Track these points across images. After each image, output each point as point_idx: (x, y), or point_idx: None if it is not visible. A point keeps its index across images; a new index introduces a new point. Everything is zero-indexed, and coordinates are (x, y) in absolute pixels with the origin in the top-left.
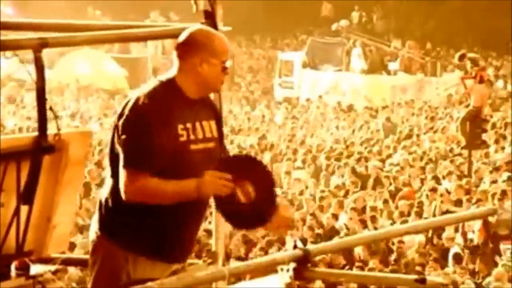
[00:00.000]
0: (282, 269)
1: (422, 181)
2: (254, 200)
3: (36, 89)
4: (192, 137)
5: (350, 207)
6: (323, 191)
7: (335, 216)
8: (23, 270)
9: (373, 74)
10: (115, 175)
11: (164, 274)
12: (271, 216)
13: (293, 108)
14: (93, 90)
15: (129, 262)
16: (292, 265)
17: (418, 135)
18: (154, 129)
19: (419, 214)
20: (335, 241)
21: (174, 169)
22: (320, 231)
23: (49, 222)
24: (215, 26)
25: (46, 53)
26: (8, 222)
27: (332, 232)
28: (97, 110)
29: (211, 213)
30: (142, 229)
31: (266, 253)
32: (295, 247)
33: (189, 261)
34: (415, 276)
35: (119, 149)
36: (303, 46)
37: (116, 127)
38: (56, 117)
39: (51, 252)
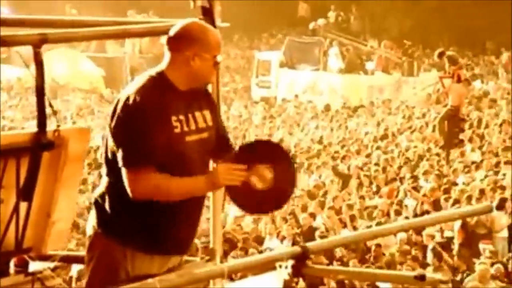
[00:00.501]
0: (280, 266)
1: (401, 180)
2: (272, 183)
3: (35, 85)
4: (186, 128)
5: (328, 206)
6: (302, 190)
7: (313, 216)
8: (22, 267)
9: (350, 74)
10: (110, 173)
11: (162, 269)
12: (290, 196)
13: (271, 108)
14: (70, 90)
15: (127, 258)
16: (290, 262)
17: (395, 135)
18: (148, 124)
19: (399, 213)
20: (333, 238)
21: (171, 162)
22: (298, 230)
23: (48, 219)
24: (213, 23)
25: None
26: (8, 219)
27: (311, 232)
28: (73, 110)
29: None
30: (140, 224)
31: (246, 253)
32: (293, 244)
33: (186, 258)
34: (414, 273)
35: (115, 149)
36: (280, 46)
37: (109, 127)
38: (55, 113)
39: (50, 248)
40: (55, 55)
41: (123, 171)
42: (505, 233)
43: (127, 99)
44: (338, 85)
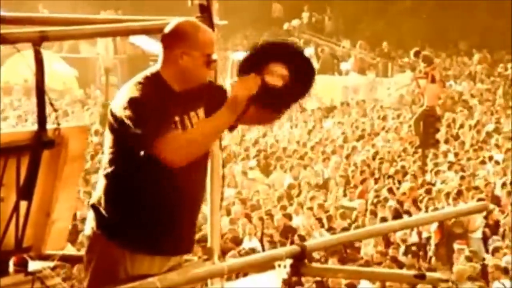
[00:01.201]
0: (279, 265)
1: (377, 180)
2: (289, 79)
3: (35, 83)
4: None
5: (305, 207)
6: (277, 191)
7: (289, 216)
8: (21, 266)
9: (325, 74)
10: (109, 173)
11: (162, 270)
12: (310, 88)
13: None
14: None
15: (127, 259)
16: (289, 261)
17: (370, 136)
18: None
19: (374, 213)
20: (332, 236)
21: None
22: (274, 231)
23: (48, 218)
24: (210, 21)
25: None
26: (8, 218)
27: (288, 232)
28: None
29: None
30: (139, 225)
31: (224, 254)
32: (292, 242)
33: (184, 257)
34: (414, 272)
35: (125, 141)
36: None
37: (113, 120)
38: (56, 111)
39: (49, 248)
40: (28, 55)
41: (153, 149)
42: (479, 234)
43: (126, 93)
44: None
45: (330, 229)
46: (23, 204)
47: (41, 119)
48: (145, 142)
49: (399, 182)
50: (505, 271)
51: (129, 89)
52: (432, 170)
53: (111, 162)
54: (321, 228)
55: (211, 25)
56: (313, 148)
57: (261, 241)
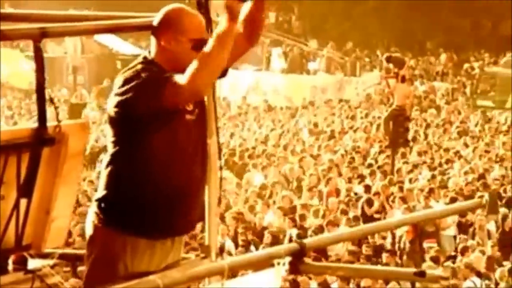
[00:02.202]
0: (278, 263)
1: (350, 180)
2: None
3: (36, 79)
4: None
5: (277, 206)
6: (247, 191)
7: (261, 215)
8: (21, 264)
9: (293, 74)
10: (115, 157)
11: (161, 266)
12: None
13: None
14: (8, 89)
15: (127, 252)
16: (288, 258)
17: (339, 134)
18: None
19: (345, 212)
20: (330, 234)
21: (173, 140)
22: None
23: (48, 215)
24: (208, 17)
25: None
26: (8, 215)
27: (262, 231)
28: (12, 110)
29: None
30: (141, 205)
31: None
32: (290, 240)
33: (182, 255)
34: (413, 270)
35: (136, 116)
36: None
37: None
38: (56, 108)
39: (49, 245)
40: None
41: (175, 90)
42: (451, 232)
43: (126, 77)
44: (281, 85)
45: (301, 228)
46: (23, 202)
47: (42, 116)
48: (156, 95)
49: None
50: (475, 269)
51: (127, 75)
52: (401, 169)
53: (115, 154)
54: (293, 228)
55: (208, 21)
56: (282, 147)
57: (234, 240)
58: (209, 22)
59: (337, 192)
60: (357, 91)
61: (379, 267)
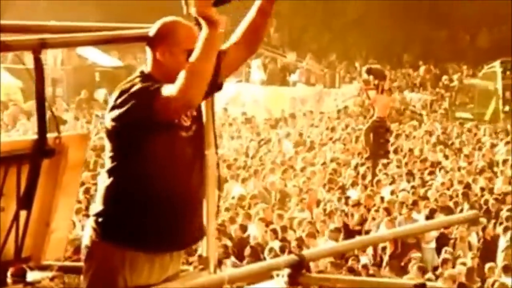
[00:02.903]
0: (277, 275)
1: (330, 191)
2: None
3: (35, 90)
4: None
5: (258, 218)
6: (226, 201)
7: (243, 227)
8: (20, 277)
9: (272, 86)
10: (112, 172)
11: (161, 279)
12: None
13: None
14: None
15: (126, 266)
16: (287, 271)
17: (319, 146)
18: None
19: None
20: (329, 245)
21: (170, 155)
22: (229, 242)
23: (47, 227)
24: None
25: None
26: (8, 227)
27: (243, 243)
28: None
29: None
30: (140, 220)
31: None
32: (289, 252)
33: (180, 267)
34: (414, 281)
35: (133, 124)
36: None
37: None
38: (56, 119)
39: (48, 257)
40: None
41: (166, 100)
42: (433, 244)
43: (125, 87)
44: (260, 97)
45: (284, 240)
46: (23, 214)
47: (41, 127)
48: (154, 103)
49: (350, 192)
50: (456, 281)
51: (122, 88)
52: (381, 181)
53: (112, 169)
54: (275, 239)
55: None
56: (261, 158)
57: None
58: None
59: (318, 203)
60: (336, 102)
61: (379, 279)
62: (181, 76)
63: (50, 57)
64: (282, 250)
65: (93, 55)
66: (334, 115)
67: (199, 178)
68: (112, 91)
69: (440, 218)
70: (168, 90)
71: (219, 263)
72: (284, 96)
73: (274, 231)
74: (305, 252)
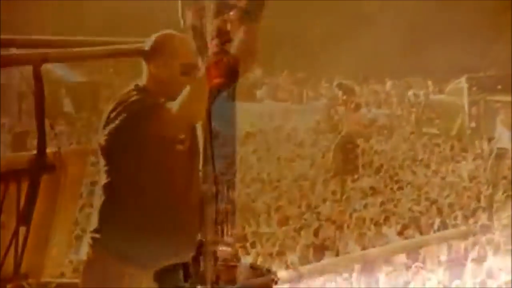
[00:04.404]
0: None
1: (300, 207)
2: None
3: (35, 105)
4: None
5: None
6: None
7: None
8: None
9: (239, 101)
10: (105, 192)
11: None
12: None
13: None
14: None
15: (123, 283)
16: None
17: (287, 162)
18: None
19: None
20: (325, 261)
21: (165, 171)
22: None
23: (46, 243)
24: (204, 43)
25: None
26: (8, 244)
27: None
28: None
29: None
30: (139, 234)
31: None
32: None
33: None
34: None
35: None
36: None
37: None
38: (55, 134)
39: (47, 273)
40: None
41: (161, 124)
42: (403, 259)
43: (119, 102)
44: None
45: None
46: (22, 230)
47: (41, 142)
48: (155, 119)
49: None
50: None
51: (117, 101)
52: (350, 196)
53: (107, 185)
54: (246, 255)
55: (204, 46)
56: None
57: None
58: (204, 47)
59: (287, 220)
60: (303, 118)
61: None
62: (185, 93)
63: (16, 72)
64: (253, 266)
65: (60, 69)
66: (302, 131)
67: (194, 192)
68: (77, 105)
69: (438, 233)
70: (171, 106)
71: None
72: (251, 112)
73: (243, 247)
74: (302, 268)
